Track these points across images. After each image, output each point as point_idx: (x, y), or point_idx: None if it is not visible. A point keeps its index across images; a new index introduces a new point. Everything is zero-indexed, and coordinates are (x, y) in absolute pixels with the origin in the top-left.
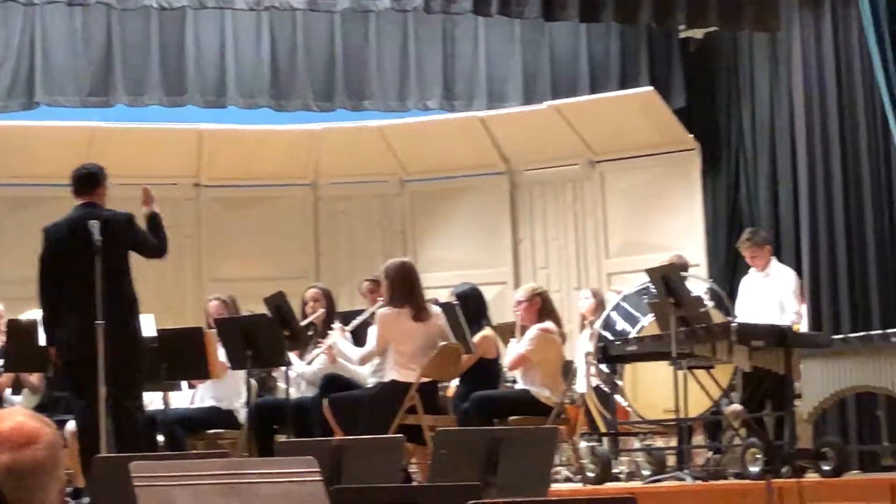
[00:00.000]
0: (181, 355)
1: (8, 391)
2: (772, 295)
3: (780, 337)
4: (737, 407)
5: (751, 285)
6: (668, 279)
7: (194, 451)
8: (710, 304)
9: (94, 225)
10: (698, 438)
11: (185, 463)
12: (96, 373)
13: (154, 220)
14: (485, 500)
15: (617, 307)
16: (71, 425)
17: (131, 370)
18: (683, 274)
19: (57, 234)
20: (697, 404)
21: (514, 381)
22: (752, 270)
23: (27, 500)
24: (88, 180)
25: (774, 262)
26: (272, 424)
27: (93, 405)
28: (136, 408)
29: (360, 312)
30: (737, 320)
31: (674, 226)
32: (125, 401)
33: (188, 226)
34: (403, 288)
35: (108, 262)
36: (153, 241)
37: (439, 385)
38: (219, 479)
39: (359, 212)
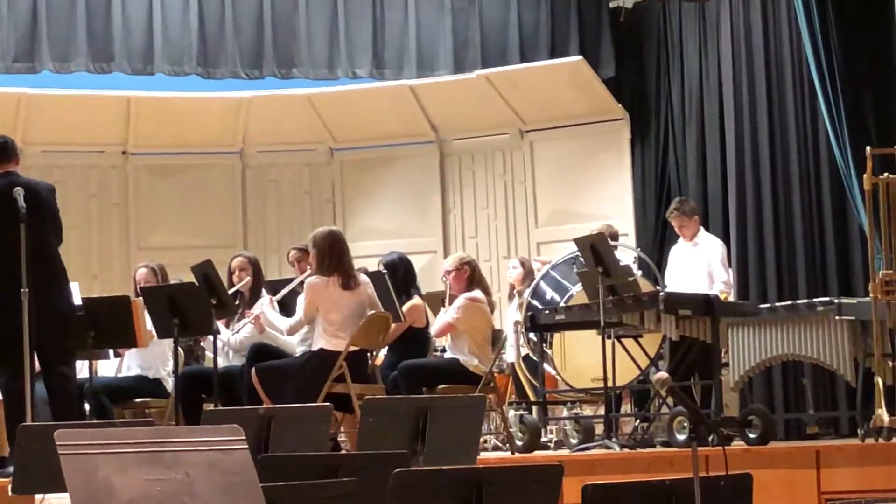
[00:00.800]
0: (108, 323)
1: None
2: (700, 264)
3: (707, 306)
4: (663, 375)
5: (679, 255)
6: (597, 248)
7: (120, 420)
8: (638, 273)
9: (19, 192)
10: (626, 407)
11: (110, 431)
12: (23, 342)
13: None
14: (412, 468)
15: (546, 276)
16: None
17: (64, 337)
18: (613, 243)
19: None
20: (625, 373)
21: (444, 351)
22: (680, 240)
23: None
24: (4, 149)
25: (702, 231)
26: (199, 393)
27: (20, 375)
28: (71, 376)
29: (288, 281)
30: (665, 289)
31: (603, 195)
32: (60, 368)
33: (116, 194)
34: (332, 256)
35: (35, 229)
36: (60, 225)
37: (368, 354)
38: (144, 447)
39: (287, 180)
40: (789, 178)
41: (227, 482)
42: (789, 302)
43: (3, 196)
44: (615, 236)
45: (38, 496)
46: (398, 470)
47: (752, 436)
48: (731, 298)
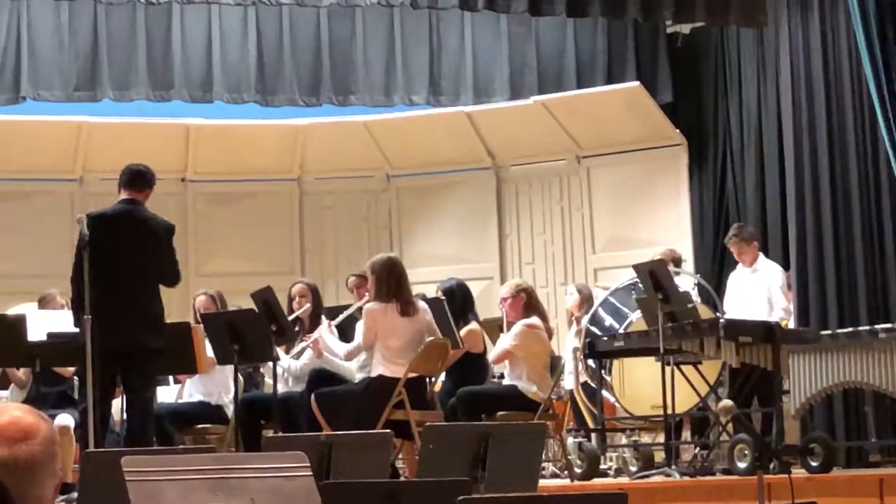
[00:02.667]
0: (168, 350)
1: None
2: (760, 291)
3: (767, 333)
4: (727, 402)
5: (738, 281)
6: (656, 275)
7: (182, 447)
8: (697, 299)
9: (83, 220)
10: (685, 435)
11: (175, 458)
12: (100, 367)
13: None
14: (476, 496)
15: (604, 303)
16: (60, 420)
17: (151, 368)
18: (673, 269)
19: (105, 220)
20: (685, 400)
21: (502, 377)
22: (739, 266)
23: (22, 496)
24: (135, 178)
25: (762, 257)
26: (259, 419)
27: (104, 399)
28: (151, 405)
29: (346, 307)
30: (725, 316)
31: (660, 221)
32: (143, 394)
33: (175, 221)
34: (390, 283)
35: (139, 262)
36: (176, 266)
37: (426, 380)
38: (209, 473)
39: (344, 207)
40: (849, 202)
41: None
42: (850, 329)
43: (114, 222)
44: (678, 261)
45: None
46: (463, 497)
47: (813, 464)
48: (791, 325)
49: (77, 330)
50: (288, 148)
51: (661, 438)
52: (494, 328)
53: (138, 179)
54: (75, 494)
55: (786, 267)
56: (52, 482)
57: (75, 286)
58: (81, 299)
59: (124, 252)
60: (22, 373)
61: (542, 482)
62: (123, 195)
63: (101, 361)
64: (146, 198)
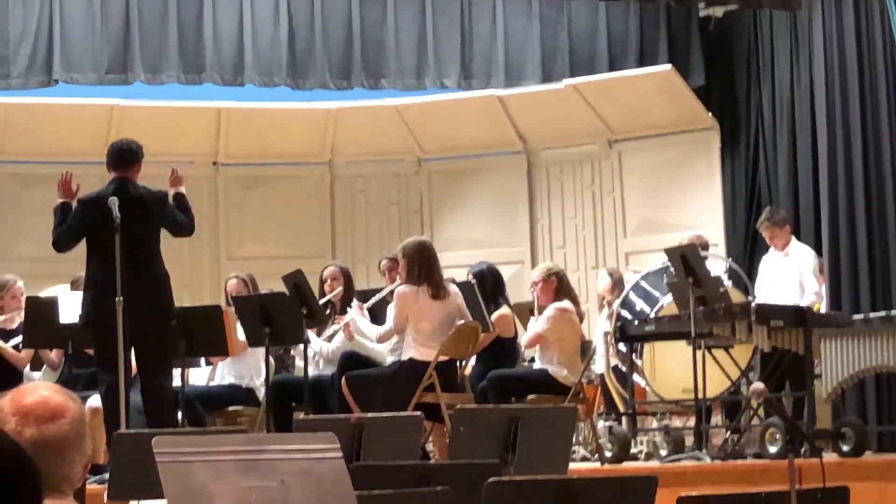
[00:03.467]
0: (200, 333)
1: (27, 368)
2: (791, 275)
3: (799, 317)
4: (759, 386)
5: (770, 265)
6: (687, 259)
7: (214, 428)
8: (728, 283)
9: (114, 201)
10: (716, 419)
11: (206, 439)
12: (155, 350)
13: (182, 200)
14: (506, 478)
15: (636, 287)
16: (92, 401)
17: (162, 347)
18: (703, 253)
19: (92, 207)
20: (716, 384)
21: (532, 361)
22: (771, 250)
23: (52, 474)
24: (124, 155)
25: (794, 241)
26: (290, 402)
27: (116, 381)
28: (168, 386)
29: (378, 291)
30: (756, 300)
31: (692, 205)
32: (158, 377)
33: (206, 204)
34: (421, 266)
35: (140, 238)
36: (182, 220)
37: (457, 364)
38: (240, 454)
39: (376, 191)
40: (883, 186)
41: (322, 490)
42: (883, 313)
43: (107, 204)
44: (706, 246)
45: (132, 503)
46: (492, 479)
47: (845, 448)
48: (823, 309)
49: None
50: (319, 132)
51: (691, 422)
52: (525, 312)
53: (126, 156)
54: (107, 475)
55: (818, 251)
56: (81, 461)
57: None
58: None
59: (122, 233)
60: (54, 354)
61: (572, 465)
62: (113, 174)
63: (112, 344)
64: (137, 173)
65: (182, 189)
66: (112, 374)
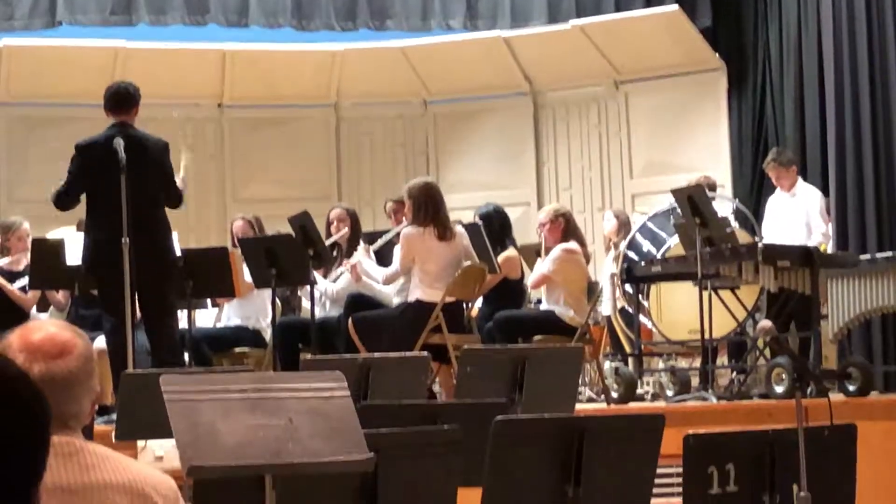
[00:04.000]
0: (206, 274)
1: (34, 309)
2: (798, 215)
3: (806, 257)
4: (767, 323)
5: (777, 206)
6: (694, 199)
7: (221, 368)
8: (735, 224)
9: (119, 143)
10: (722, 359)
11: (214, 377)
12: (157, 292)
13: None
14: (510, 417)
15: (643, 228)
16: (98, 342)
17: (166, 288)
18: (710, 194)
19: (90, 151)
20: (722, 325)
21: (539, 302)
22: (778, 190)
23: (59, 411)
24: (123, 98)
25: (801, 182)
26: (297, 343)
27: (123, 324)
28: (173, 326)
29: (384, 233)
30: (763, 241)
31: (699, 146)
32: (163, 318)
33: (212, 146)
34: (428, 208)
35: (141, 182)
36: (176, 187)
37: (464, 305)
38: (248, 393)
39: (381, 133)
40: (890, 127)
41: (330, 428)
42: (890, 253)
43: (108, 149)
44: (713, 187)
45: (140, 442)
46: (499, 418)
47: (851, 388)
48: (829, 249)
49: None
50: (324, 73)
51: (697, 363)
52: (531, 254)
53: (124, 100)
54: (114, 416)
55: (825, 192)
56: (89, 398)
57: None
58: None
59: (123, 178)
60: (61, 295)
61: (578, 406)
62: (112, 119)
63: (116, 286)
64: (135, 116)
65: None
66: (116, 316)
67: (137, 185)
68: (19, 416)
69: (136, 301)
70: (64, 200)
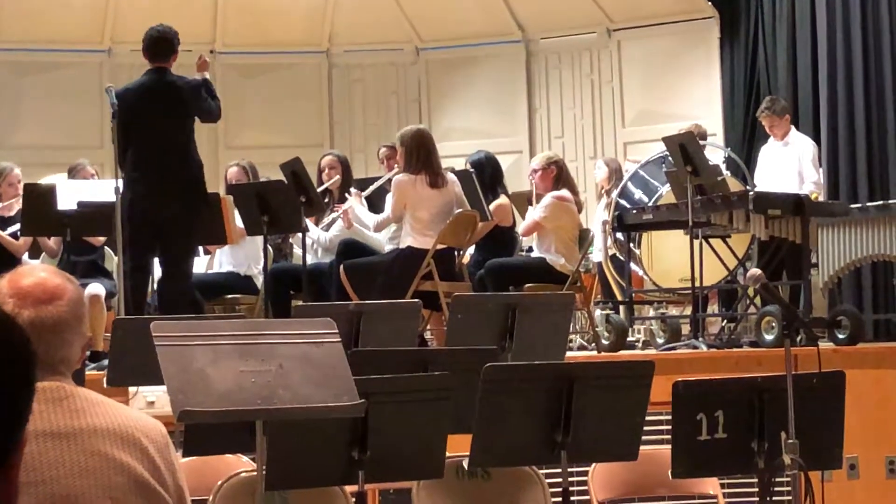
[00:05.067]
0: (199, 221)
1: (25, 255)
2: (791, 164)
3: (796, 206)
4: (756, 271)
5: (770, 154)
6: (686, 147)
7: (213, 315)
8: (727, 173)
9: (111, 90)
10: (713, 308)
11: (205, 324)
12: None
13: (209, 86)
14: (501, 363)
15: (634, 176)
16: (90, 289)
17: (192, 235)
18: (701, 143)
19: (123, 100)
20: (713, 274)
21: (530, 250)
22: (770, 140)
23: (49, 356)
24: (161, 44)
25: (794, 131)
26: (288, 290)
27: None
28: (190, 273)
29: (376, 179)
30: (754, 189)
31: (691, 95)
32: (183, 263)
33: None
34: (419, 154)
35: (176, 127)
36: (213, 106)
37: (455, 252)
38: (239, 339)
39: (373, 80)
40: (882, 76)
41: (321, 374)
42: (881, 202)
43: (147, 92)
44: (704, 136)
45: (131, 388)
46: (490, 364)
47: (840, 336)
48: (821, 198)
49: (74, 206)
50: (317, 20)
51: (688, 311)
52: (523, 201)
53: (163, 46)
54: (106, 362)
55: (816, 141)
56: (79, 343)
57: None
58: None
59: (157, 123)
60: (53, 242)
61: (569, 354)
62: (150, 65)
63: (139, 230)
64: (173, 62)
65: (207, 74)
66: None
67: (173, 130)
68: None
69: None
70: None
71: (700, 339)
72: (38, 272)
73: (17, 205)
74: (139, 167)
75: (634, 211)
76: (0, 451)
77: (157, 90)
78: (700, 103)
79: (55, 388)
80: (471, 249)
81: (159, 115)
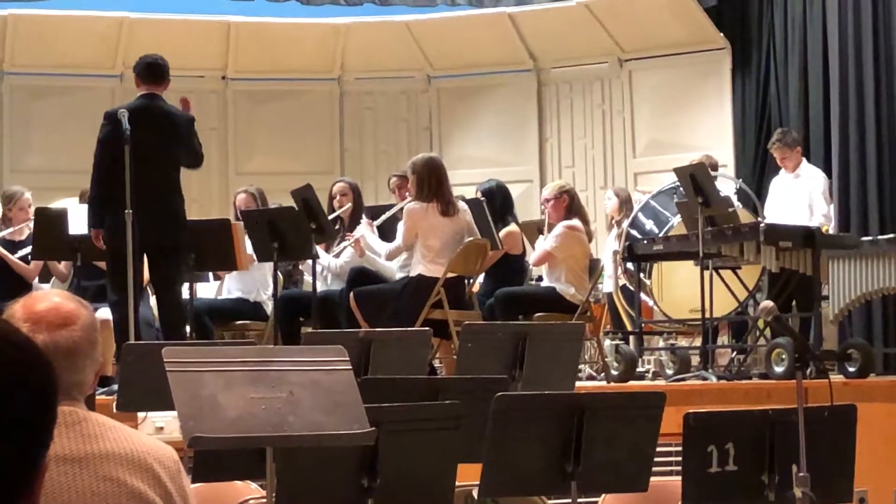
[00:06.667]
0: (209, 246)
1: (36, 280)
2: (801, 196)
3: (807, 238)
4: (768, 303)
5: (781, 186)
6: (697, 178)
7: (222, 341)
8: (738, 204)
9: (124, 113)
10: (723, 339)
11: (216, 350)
12: (137, 263)
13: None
14: (511, 393)
15: (645, 207)
16: (100, 313)
17: (177, 264)
18: (713, 174)
19: (119, 120)
20: (723, 305)
21: (540, 279)
22: (782, 171)
23: (63, 381)
24: (155, 70)
25: (805, 163)
26: (298, 317)
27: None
28: (181, 300)
29: (387, 207)
30: (765, 221)
31: (702, 125)
32: (170, 290)
33: (215, 119)
34: (431, 183)
35: (166, 155)
36: (197, 149)
37: (465, 281)
38: (249, 366)
39: (384, 108)
40: (894, 107)
41: (331, 402)
42: (891, 234)
43: (135, 118)
44: (715, 167)
45: (140, 414)
46: (500, 394)
47: (851, 369)
48: (831, 231)
49: (86, 230)
50: (328, 47)
51: (698, 342)
52: (533, 230)
53: (157, 72)
54: (115, 387)
55: (827, 173)
56: (92, 368)
57: (98, 184)
58: (107, 196)
59: (146, 148)
60: (63, 266)
61: (578, 384)
62: (142, 90)
63: (125, 258)
64: (165, 89)
65: (192, 113)
66: (125, 290)
67: (163, 157)
68: (26, 384)
69: (146, 271)
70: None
71: (710, 370)
72: (52, 297)
73: (27, 229)
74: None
75: (645, 241)
76: (24, 475)
77: (152, 115)
78: (711, 134)
79: (69, 413)
80: (481, 278)
81: (152, 140)
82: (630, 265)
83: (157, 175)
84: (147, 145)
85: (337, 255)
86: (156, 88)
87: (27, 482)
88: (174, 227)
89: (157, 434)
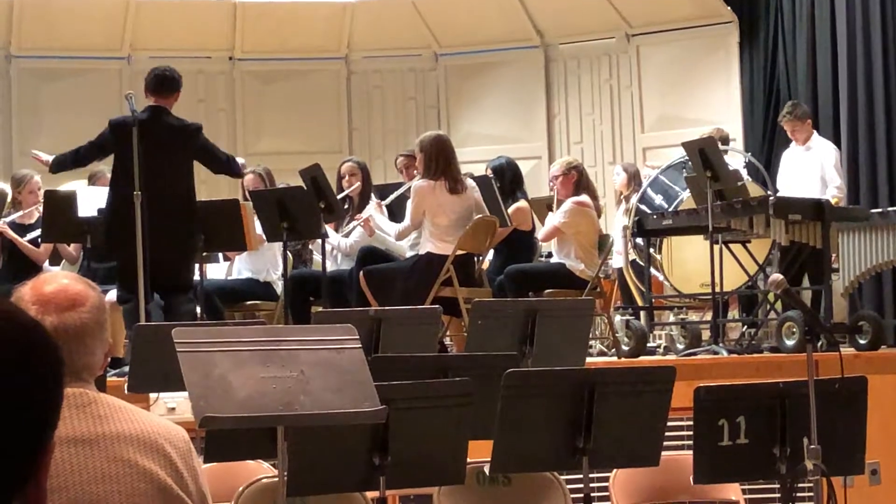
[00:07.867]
0: (218, 227)
1: (46, 263)
2: (813, 169)
3: (817, 210)
4: (778, 276)
5: (792, 159)
6: (705, 152)
7: (233, 321)
8: (747, 178)
9: (132, 95)
10: (733, 313)
11: (226, 330)
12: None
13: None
14: (521, 369)
15: (654, 182)
16: (110, 295)
17: (187, 273)
18: (723, 147)
19: (122, 130)
20: (733, 279)
21: (549, 255)
22: (792, 144)
23: (72, 362)
24: (165, 83)
25: (815, 135)
26: (308, 296)
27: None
28: (193, 309)
29: (395, 186)
30: (775, 194)
31: (710, 100)
32: (183, 302)
33: (223, 99)
34: (439, 160)
35: (174, 168)
36: (224, 156)
37: (475, 258)
38: (260, 345)
39: (392, 86)
40: None
41: (342, 380)
42: None
43: (147, 129)
44: (725, 140)
45: (152, 395)
46: (511, 370)
47: (861, 341)
48: (843, 203)
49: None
50: (336, 26)
51: (708, 317)
52: (542, 207)
53: (167, 84)
54: (126, 369)
55: (837, 146)
56: (101, 349)
57: (74, 162)
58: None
59: (152, 160)
60: (73, 248)
61: (588, 359)
62: (150, 101)
63: (132, 276)
64: (174, 102)
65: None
66: (133, 292)
67: (170, 171)
68: (29, 364)
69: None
70: (70, 161)
71: (720, 344)
72: (60, 279)
73: (37, 212)
74: (128, 200)
75: (654, 216)
76: (31, 455)
77: (158, 128)
78: (719, 108)
79: (78, 395)
80: (490, 255)
81: (157, 154)
82: (640, 240)
83: (169, 188)
84: (151, 159)
85: (346, 235)
86: (164, 101)
87: (34, 463)
88: (186, 265)
89: (168, 415)
